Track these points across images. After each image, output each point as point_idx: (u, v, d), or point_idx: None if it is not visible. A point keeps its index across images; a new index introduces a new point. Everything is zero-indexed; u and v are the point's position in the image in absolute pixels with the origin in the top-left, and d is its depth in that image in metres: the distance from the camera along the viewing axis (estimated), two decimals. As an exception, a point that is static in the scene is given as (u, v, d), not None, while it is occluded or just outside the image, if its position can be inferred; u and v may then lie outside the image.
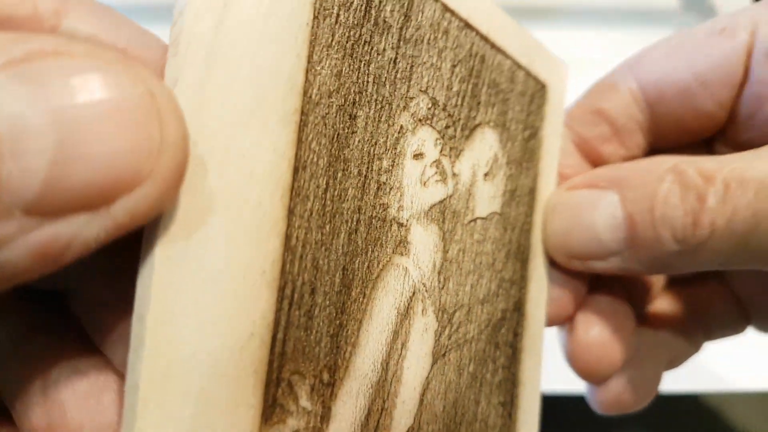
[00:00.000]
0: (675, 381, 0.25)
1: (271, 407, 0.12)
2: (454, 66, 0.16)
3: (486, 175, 0.17)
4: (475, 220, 0.16)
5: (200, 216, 0.10)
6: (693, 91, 0.17)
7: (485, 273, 0.17)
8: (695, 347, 0.21)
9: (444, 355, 0.15)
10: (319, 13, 0.13)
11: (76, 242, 0.08)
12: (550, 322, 0.18)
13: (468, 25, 0.17)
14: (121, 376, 0.11)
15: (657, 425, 0.30)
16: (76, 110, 0.08)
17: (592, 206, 0.16)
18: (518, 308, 0.17)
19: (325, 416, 0.13)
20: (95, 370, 0.11)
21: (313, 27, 0.13)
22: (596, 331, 0.18)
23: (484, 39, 0.17)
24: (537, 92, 0.19)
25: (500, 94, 0.17)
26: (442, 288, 0.15)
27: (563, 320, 0.18)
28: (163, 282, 0.10)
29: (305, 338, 0.12)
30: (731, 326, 0.21)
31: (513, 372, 0.17)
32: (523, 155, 0.18)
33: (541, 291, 0.18)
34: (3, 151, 0.07)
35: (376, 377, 0.14)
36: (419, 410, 0.15)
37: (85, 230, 0.08)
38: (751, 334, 0.22)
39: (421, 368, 0.15)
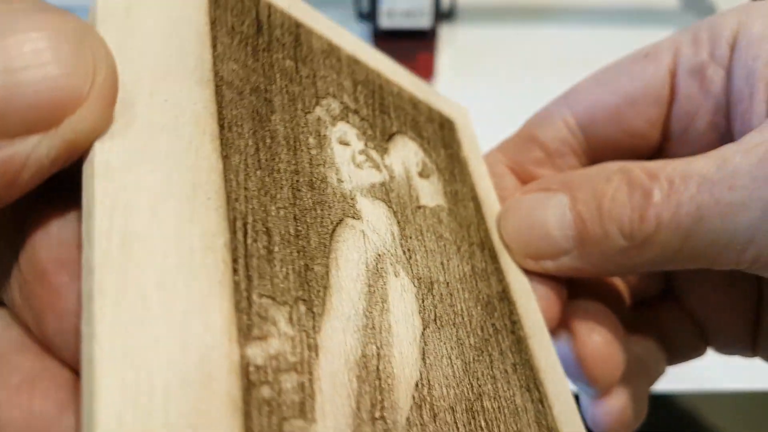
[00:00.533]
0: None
1: (248, 325, 0.11)
2: (355, 84, 0.16)
3: (420, 173, 0.17)
4: (422, 207, 0.16)
5: (135, 141, 0.11)
6: (622, 111, 0.18)
7: (453, 256, 0.16)
8: (662, 368, 0.21)
9: (435, 320, 0.15)
10: (215, 21, 0.14)
11: (31, 160, 0.10)
12: None
13: (357, 60, 0.17)
14: (62, 364, 0.11)
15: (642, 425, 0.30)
16: (17, 44, 0.09)
17: (543, 206, 0.16)
18: (505, 298, 0.17)
19: (312, 346, 0.12)
20: (29, 362, 0.11)
21: (211, 30, 0.14)
22: (598, 334, 0.18)
23: (377, 73, 0.18)
24: (445, 122, 0.19)
25: (408, 116, 0.18)
26: (410, 259, 0.15)
27: (554, 322, 0.18)
28: (105, 191, 0.11)
29: (270, 270, 0.12)
30: (691, 348, 0.21)
31: (525, 359, 0.16)
32: (453, 167, 0.18)
33: (523, 283, 0.18)
34: None
35: (361, 322, 0.13)
36: (424, 368, 0.14)
37: (38, 149, 0.10)
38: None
39: (412, 325, 0.14)
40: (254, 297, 0.12)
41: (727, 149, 0.14)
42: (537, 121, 0.20)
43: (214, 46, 0.13)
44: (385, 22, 0.47)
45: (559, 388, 0.16)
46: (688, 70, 0.17)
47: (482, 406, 0.14)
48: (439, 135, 0.19)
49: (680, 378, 0.31)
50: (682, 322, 0.21)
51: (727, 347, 0.21)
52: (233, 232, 0.12)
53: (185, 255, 0.11)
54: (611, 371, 0.18)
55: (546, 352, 0.17)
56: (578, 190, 0.16)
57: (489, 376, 0.15)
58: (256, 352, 0.11)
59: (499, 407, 0.15)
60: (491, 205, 0.19)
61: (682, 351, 0.21)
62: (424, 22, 0.47)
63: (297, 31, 0.16)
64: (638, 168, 0.15)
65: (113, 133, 0.11)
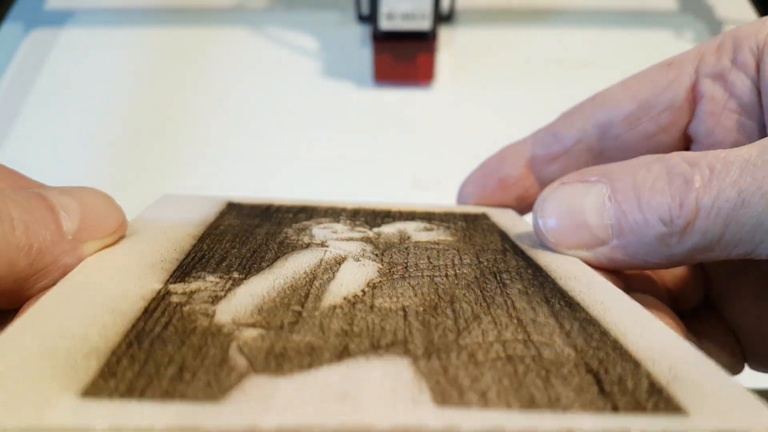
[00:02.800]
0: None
1: (179, 278, 0.14)
2: (355, 214, 0.19)
3: (422, 230, 0.18)
4: (416, 243, 0.17)
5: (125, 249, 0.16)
6: (638, 116, 0.19)
7: (445, 254, 0.16)
8: None
9: (403, 277, 0.15)
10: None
11: (90, 252, 0.15)
12: None
13: (361, 209, 0.20)
14: None
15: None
16: (93, 203, 0.16)
17: (581, 196, 0.16)
18: (530, 266, 0.16)
19: (237, 282, 0.14)
20: None
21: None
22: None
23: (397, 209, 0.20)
24: (470, 215, 0.20)
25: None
26: (382, 254, 0.16)
27: None
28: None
29: (215, 266, 0.15)
30: (728, 366, 0.21)
31: (542, 283, 0.15)
32: (474, 229, 0.19)
33: (560, 261, 0.16)
34: (61, 216, 0.15)
35: (298, 281, 0.14)
36: (370, 291, 0.14)
37: (95, 246, 0.16)
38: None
39: (364, 274, 0.14)
40: (192, 272, 0.14)
41: None
42: (562, 119, 0.21)
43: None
44: (385, 24, 0.47)
45: (603, 289, 0.15)
46: (710, 74, 0.18)
47: (452, 305, 0.13)
48: (460, 224, 0.19)
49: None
50: (720, 336, 0.20)
51: (765, 363, 0.20)
52: (189, 255, 0.15)
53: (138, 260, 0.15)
54: None
55: (592, 292, 0.15)
56: (618, 180, 0.16)
57: (474, 294, 0.14)
58: (177, 286, 0.14)
59: (475, 299, 0.14)
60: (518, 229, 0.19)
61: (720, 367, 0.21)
62: (424, 24, 0.47)
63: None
64: (678, 156, 0.15)
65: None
